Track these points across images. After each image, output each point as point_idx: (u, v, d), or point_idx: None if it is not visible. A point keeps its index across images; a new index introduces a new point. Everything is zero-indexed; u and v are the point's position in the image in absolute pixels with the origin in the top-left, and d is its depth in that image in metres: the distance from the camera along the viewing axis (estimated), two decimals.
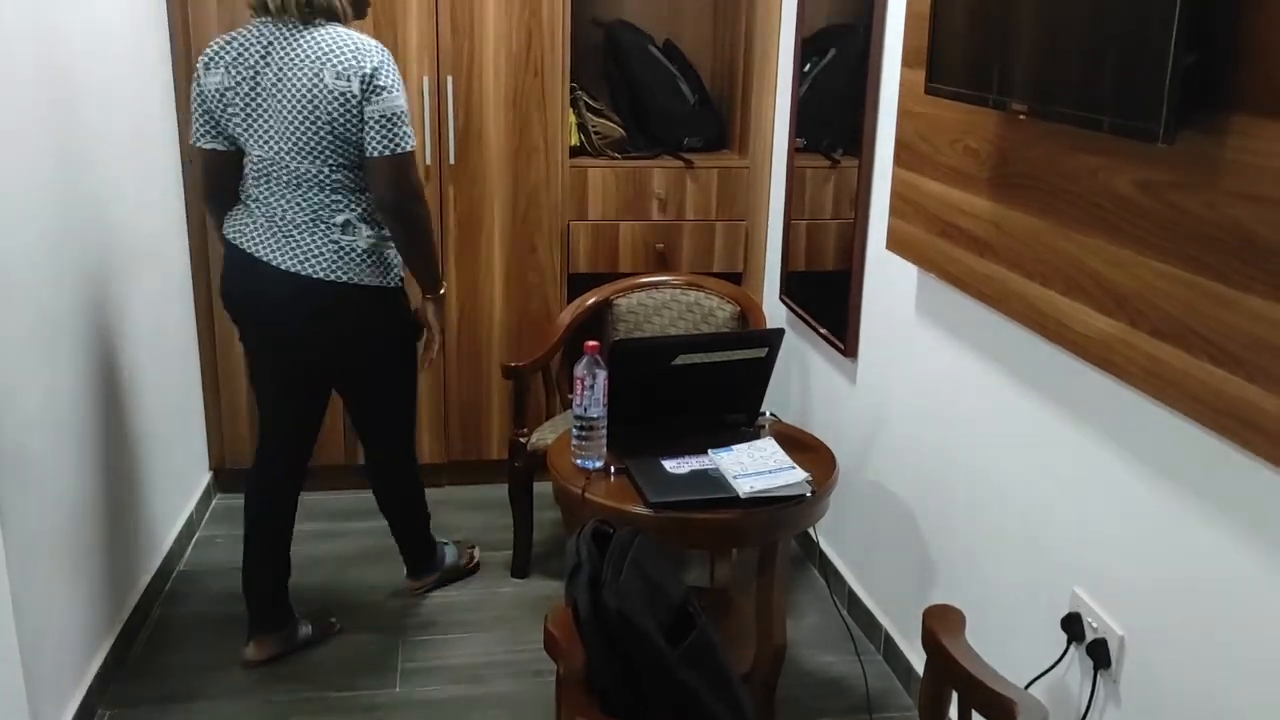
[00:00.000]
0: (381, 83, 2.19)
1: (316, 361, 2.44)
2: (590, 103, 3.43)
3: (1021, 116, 1.73)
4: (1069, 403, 1.83)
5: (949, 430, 2.27)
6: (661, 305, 3.11)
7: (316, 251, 2.27)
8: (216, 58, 2.26)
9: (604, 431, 2.16)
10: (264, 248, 2.28)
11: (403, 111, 2.23)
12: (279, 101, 2.21)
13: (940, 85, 1.94)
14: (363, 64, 2.19)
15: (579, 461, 2.16)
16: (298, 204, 2.28)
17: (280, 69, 2.20)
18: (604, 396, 2.14)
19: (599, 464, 2.15)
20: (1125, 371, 1.61)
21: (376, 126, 2.21)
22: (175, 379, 3.06)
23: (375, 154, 2.22)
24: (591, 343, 2.16)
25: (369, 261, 2.32)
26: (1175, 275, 1.49)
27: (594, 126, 3.40)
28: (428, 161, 3.17)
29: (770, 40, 3.28)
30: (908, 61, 2.27)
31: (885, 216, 2.43)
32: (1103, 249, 1.64)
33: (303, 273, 2.27)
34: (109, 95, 2.55)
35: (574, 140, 3.37)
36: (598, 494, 2.06)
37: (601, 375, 2.13)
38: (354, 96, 2.19)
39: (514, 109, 3.21)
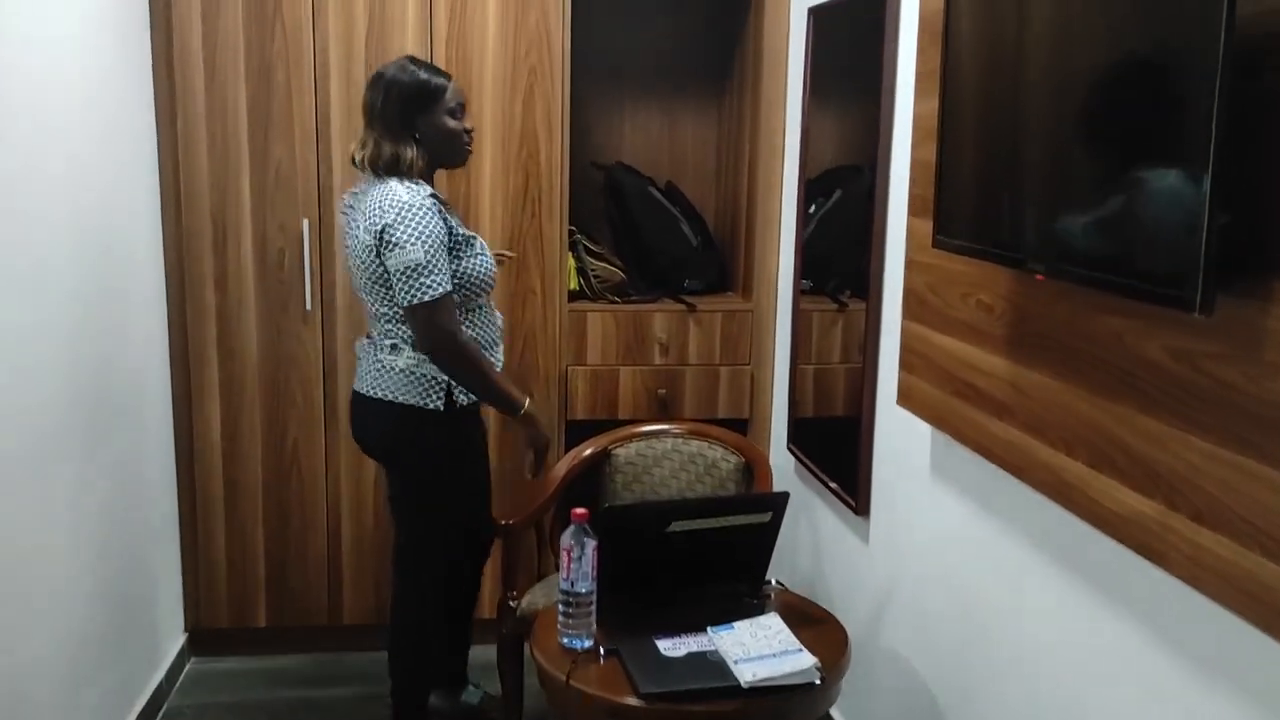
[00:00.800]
0: (392, 238, 2.31)
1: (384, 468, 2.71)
2: (590, 246, 3.35)
3: (1038, 277, 1.60)
4: (1101, 582, 1.65)
5: (969, 601, 2.08)
6: (662, 456, 2.96)
7: (367, 369, 2.52)
8: (343, 205, 2.58)
9: (592, 607, 1.98)
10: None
11: (418, 264, 2.30)
12: (351, 246, 2.48)
13: (948, 239, 1.83)
14: (377, 221, 2.33)
15: (565, 640, 1.97)
16: (369, 331, 2.56)
17: (355, 218, 2.45)
18: (593, 569, 1.97)
19: (588, 643, 1.97)
20: (1163, 556, 1.44)
21: (399, 278, 2.34)
22: (149, 531, 2.90)
23: (403, 303, 2.36)
24: (579, 510, 2.01)
25: (405, 379, 2.45)
26: (1217, 454, 1.33)
27: (593, 270, 3.31)
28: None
29: (773, 181, 3.22)
30: (914, 210, 2.17)
31: (895, 368, 2.30)
32: (1133, 419, 1.49)
33: (358, 389, 2.56)
34: (83, 229, 2.47)
35: (573, 284, 3.28)
36: (585, 681, 1.87)
37: (590, 545, 1.97)
38: (374, 249, 2.36)
39: (502, 248, 3.12)
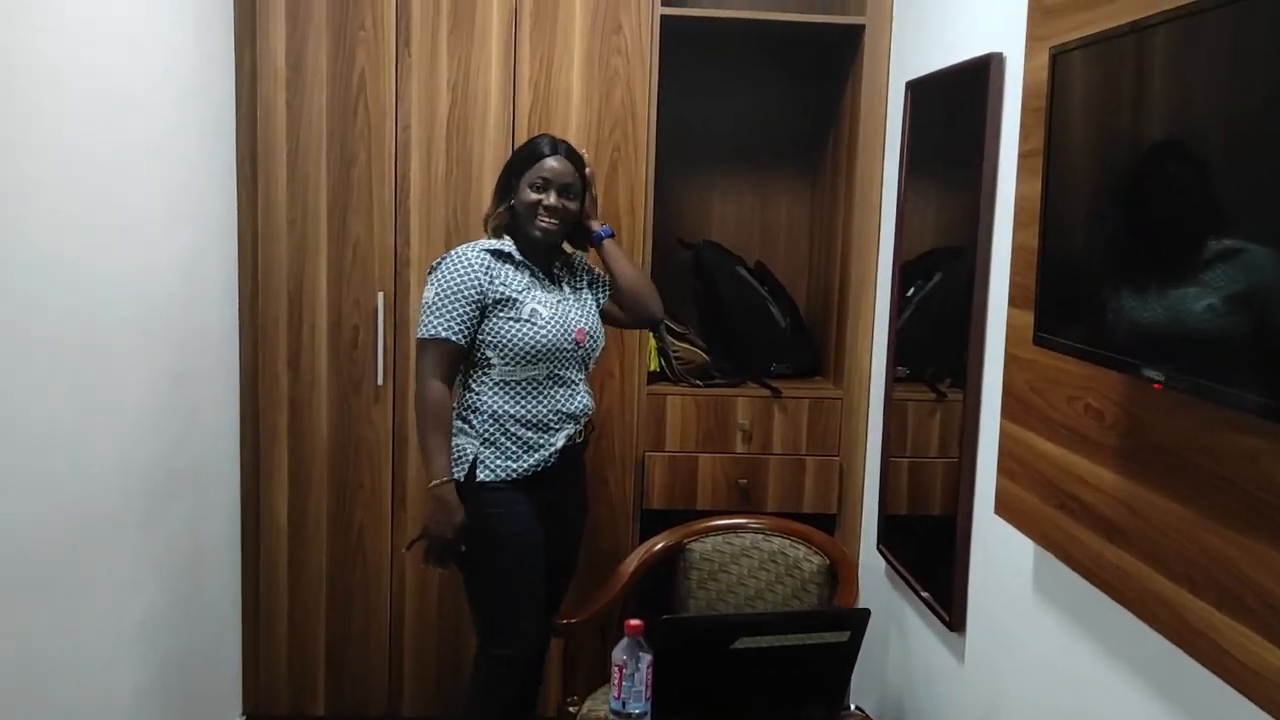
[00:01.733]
0: (428, 279, 2.47)
1: None
2: (672, 325, 3.21)
3: (1155, 385, 1.39)
4: None
5: None
6: (740, 553, 2.77)
7: None
8: None
9: None
10: None
11: (426, 303, 2.41)
12: None
13: (1051, 336, 1.63)
14: (431, 266, 2.49)
15: None
16: None
17: None
18: (647, 687, 1.79)
19: None
20: None
21: None
22: (211, 612, 2.83)
23: None
24: (633, 622, 1.84)
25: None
26: None
27: (675, 351, 3.17)
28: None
29: (868, 262, 3.04)
30: (1015, 300, 1.97)
31: (994, 471, 2.08)
32: (1272, 559, 1.26)
33: None
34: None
35: (653, 365, 3.14)
36: None
37: (645, 661, 1.80)
38: None
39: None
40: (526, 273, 2.48)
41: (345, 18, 2.87)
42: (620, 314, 2.63)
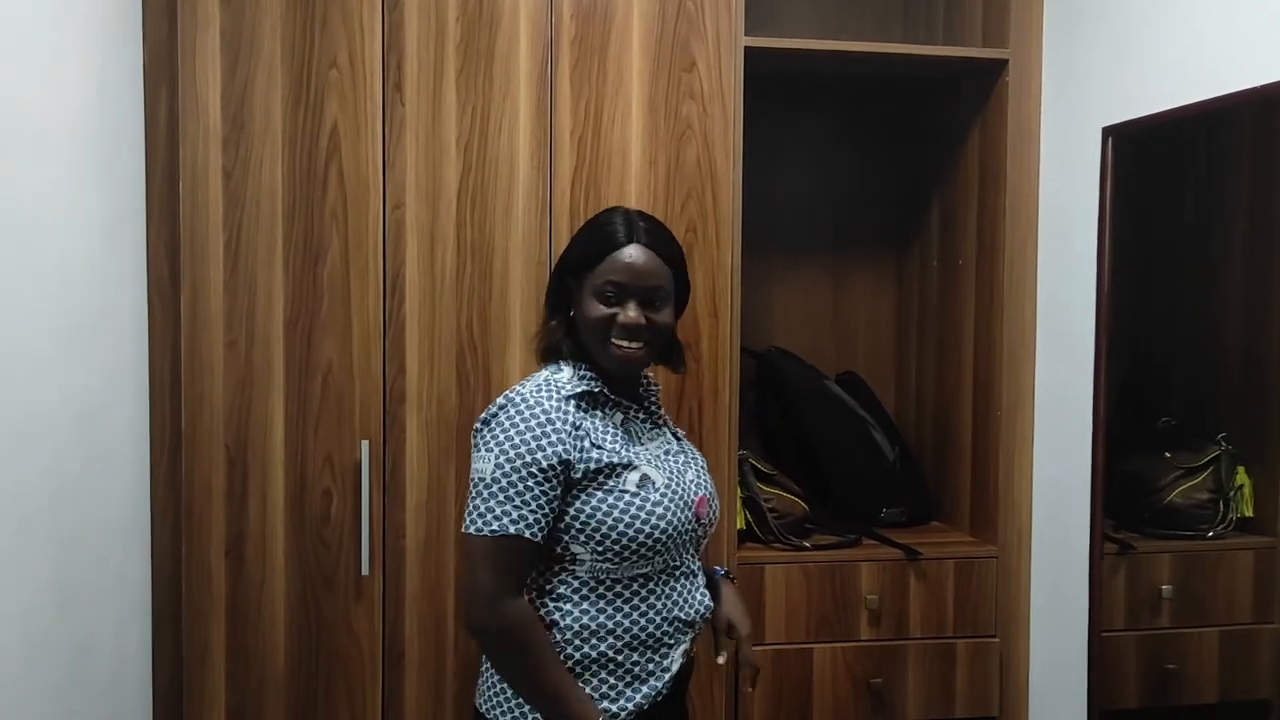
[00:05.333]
0: (477, 439, 1.58)
1: None
2: (758, 466, 2.37)
3: None
4: None
5: None
6: None
7: None
8: None
9: None
10: None
11: (482, 480, 1.53)
12: None
13: None
14: (485, 412, 1.59)
15: None
16: None
17: None
18: None
19: None
20: None
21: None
22: None
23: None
24: None
25: (489, 673, 1.62)
26: None
27: (766, 500, 2.33)
28: None
29: (1023, 372, 2.27)
30: None
31: None
32: None
33: None
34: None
35: (738, 522, 2.29)
36: None
37: None
38: None
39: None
40: (619, 415, 1.62)
41: (309, 51, 2.00)
42: None
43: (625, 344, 1.58)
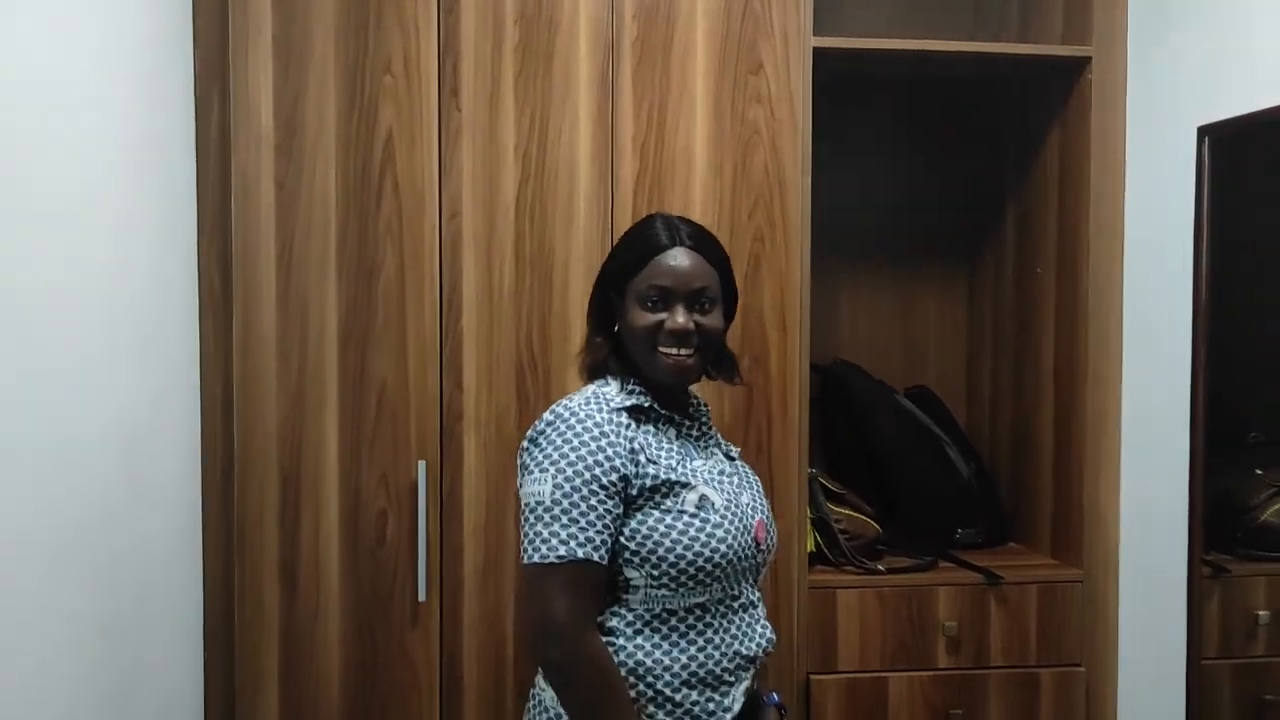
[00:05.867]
0: (526, 459, 1.47)
1: None
2: (828, 485, 2.26)
3: None
4: None
5: None
6: None
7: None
8: None
9: None
10: None
11: (540, 503, 1.42)
12: None
13: None
14: (531, 430, 1.49)
15: None
16: None
17: None
18: None
19: None
20: None
21: (519, 522, 1.53)
22: None
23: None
24: None
25: (536, 709, 1.50)
26: None
27: (837, 520, 2.22)
28: None
29: (1108, 386, 2.15)
30: None
31: None
32: None
33: None
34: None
35: (808, 544, 2.18)
36: None
37: None
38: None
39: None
40: (670, 430, 1.53)
41: (363, 56, 1.93)
42: None
43: (675, 351, 1.49)
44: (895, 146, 2.60)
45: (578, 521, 1.38)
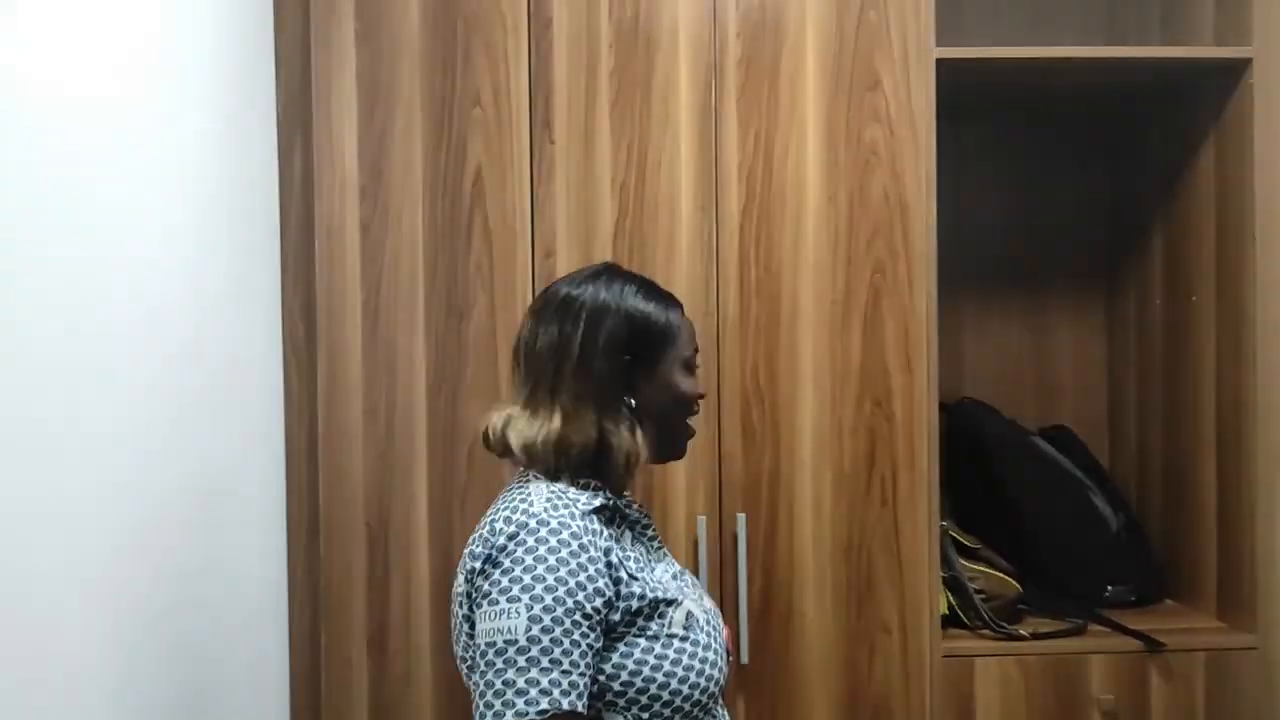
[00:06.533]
0: (483, 584, 1.18)
1: None
2: (961, 539, 2.06)
3: None
4: None
5: None
6: None
7: None
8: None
9: None
10: None
11: (510, 643, 1.13)
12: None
13: None
14: (481, 549, 1.20)
15: None
16: None
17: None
18: None
19: None
20: None
21: (479, 661, 1.16)
22: None
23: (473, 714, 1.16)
24: None
25: None
26: None
27: (972, 580, 2.01)
28: None
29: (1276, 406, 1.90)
30: None
31: None
32: None
33: None
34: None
35: (940, 605, 1.97)
36: None
37: None
38: (463, 600, 1.22)
39: (846, 561, 1.86)
40: (628, 534, 1.33)
41: (450, 90, 1.82)
42: None
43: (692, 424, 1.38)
44: (1019, 164, 2.39)
45: (560, 664, 1.13)
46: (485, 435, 1.34)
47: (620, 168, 1.83)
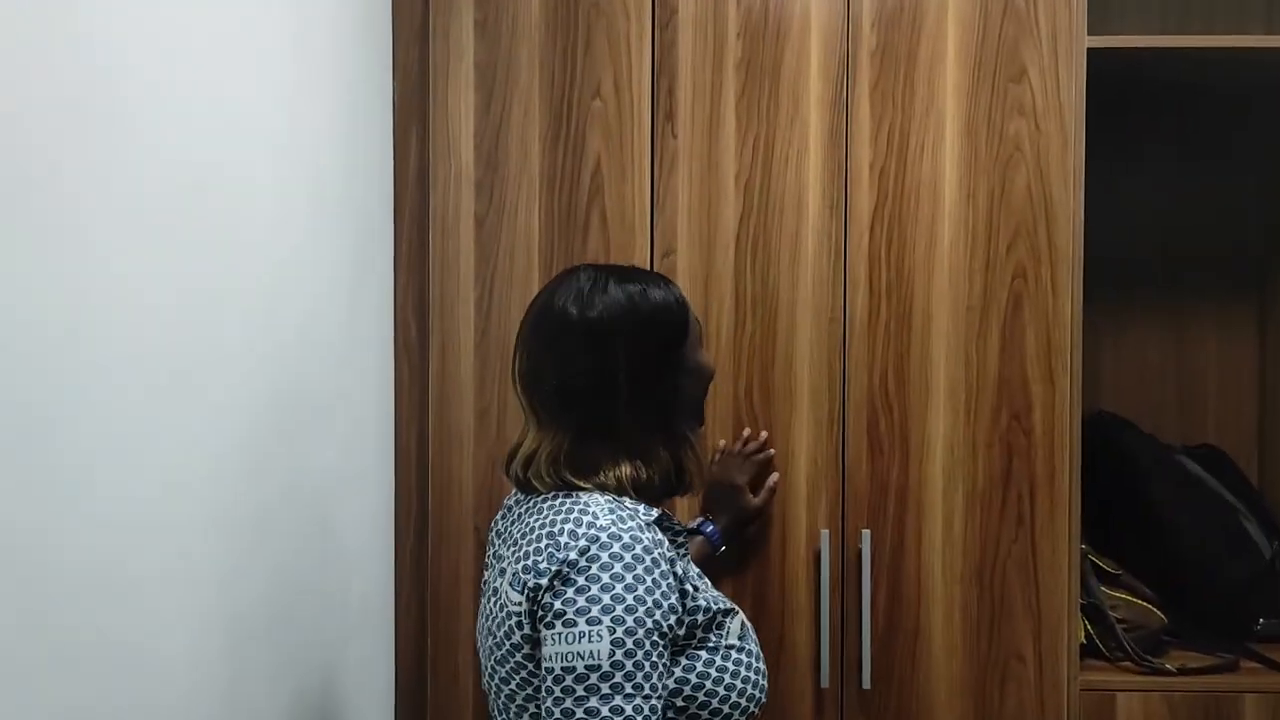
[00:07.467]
0: (554, 602, 1.11)
1: None
2: (1101, 564, 1.92)
3: None
4: None
5: None
6: None
7: None
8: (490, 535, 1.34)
9: None
10: None
11: (593, 668, 1.07)
12: (484, 610, 1.24)
13: None
14: (544, 563, 1.13)
15: None
16: None
17: (497, 557, 1.25)
18: None
19: None
20: None
21: (553, 687, 1.09)
22: None
23: None
24: None
25: None
26: None
27: (1114, 608, 1.87)
28: (824, 684, 1.71)
29: None
30: None
31: None
32: None
33: None
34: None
35: (1078, 633, 1.84)
36: None
37: None
38: (521, 619, 1.14)
39: (978, 584, 1.75)
40: (674, 541, 1.24)
41: (570, 80, 1.76)
42: None
43: None
44: (1163, 163, 2.23)
45: (641, 689, 1.08)
46: (525, 480, 1.24)
47: (745, 163, 1.74)
